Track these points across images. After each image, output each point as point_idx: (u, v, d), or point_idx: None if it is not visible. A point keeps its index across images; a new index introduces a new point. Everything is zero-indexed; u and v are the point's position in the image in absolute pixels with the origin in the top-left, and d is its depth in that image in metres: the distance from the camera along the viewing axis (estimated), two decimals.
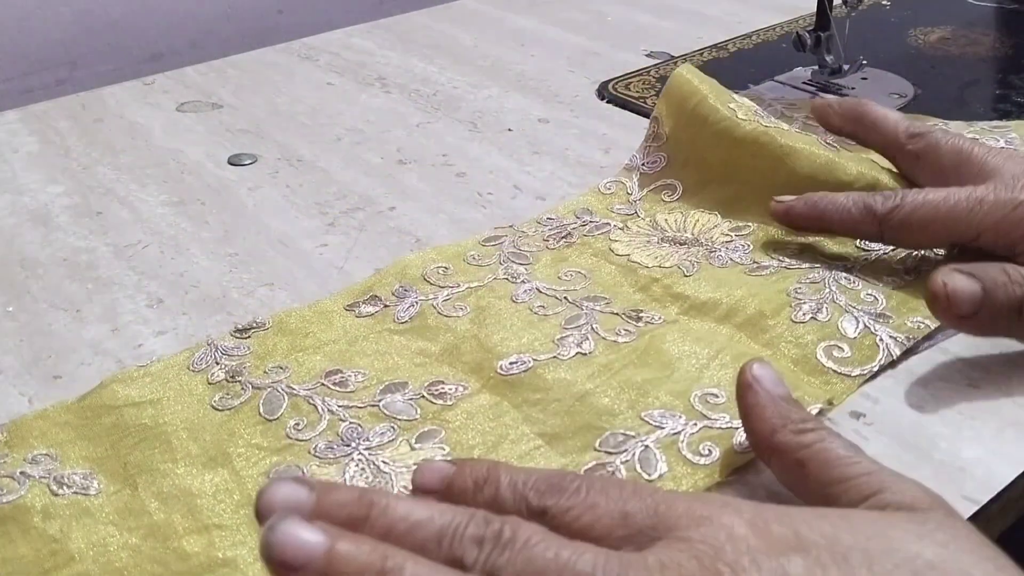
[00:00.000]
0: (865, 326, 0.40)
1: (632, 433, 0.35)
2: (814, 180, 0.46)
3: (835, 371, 0.38)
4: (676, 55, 0.71)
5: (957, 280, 0.36)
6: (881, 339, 0.39)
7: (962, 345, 0.40)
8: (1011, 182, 0.40)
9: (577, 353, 0.39)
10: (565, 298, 0.43)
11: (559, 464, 0.34)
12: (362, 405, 0.37)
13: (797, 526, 0.26)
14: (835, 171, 0.46)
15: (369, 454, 0.35)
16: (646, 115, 0.62)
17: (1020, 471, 0.34)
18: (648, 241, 0.47)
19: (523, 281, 0.44)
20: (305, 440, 0.36)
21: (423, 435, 0.36)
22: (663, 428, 0.35)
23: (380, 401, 0.38)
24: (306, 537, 0.24)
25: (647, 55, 0.72)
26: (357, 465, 0.34)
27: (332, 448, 0.35)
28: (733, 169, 0.49)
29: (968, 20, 0.76)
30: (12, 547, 0.32)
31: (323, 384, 0.38)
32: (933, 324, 0.39)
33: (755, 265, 0.45)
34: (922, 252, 0.44)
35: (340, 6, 0.93)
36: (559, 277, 0.45)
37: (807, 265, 0.44)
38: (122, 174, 0.57)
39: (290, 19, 0.91)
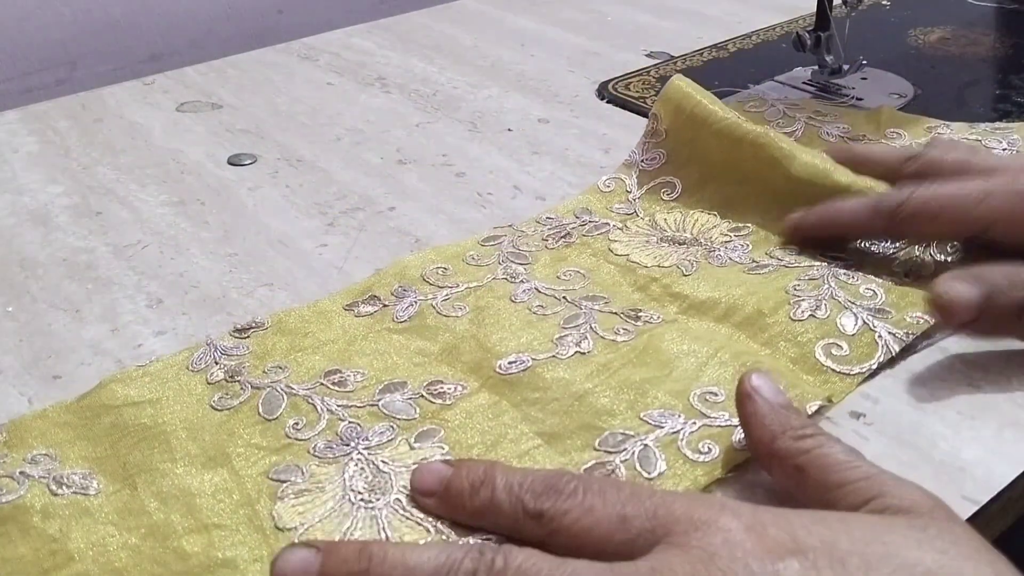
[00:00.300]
0: (864, 322, 0.40)
1: (631, 432, 0.35)
2: (811, 184, 0.46)
3: (834, 370, 0.38)
4: (676, 55, 0.71)
5: (957, 288, 0.37)
6: (880, 336, 0.39)
7: (962, 345, 0.40)
8: (1020, 175, 0.40)
9: (576, 352, 0.39)
10: (564, 298, 0.43)
11: (558, 463, 0.34)
12: (361, 404, 0.37)
13: (795, 530, 0.26)
14: (832, 175, 0.46)
15: (368, 453, 0.35)
16: (646, 115, 0.62)
17: (1020, 471, 0.34)
18: (647, 241, 0.47)
19: (522, 281, 0.44)
20: (304, 440, 0.36)
21: (422, 434, 0.36)
22: (662, 427, 0.35)
23: (379, 401, 0.37)
24: None
25: (647, 55, 0.72)
26: (356, 464, 0.34)
27: (331, 447, 0.35)
28: (732, 168, 0.49)
29: (968, 20, 0.76)
30: (12, 547, 0.32)
31: (322, 384, 0.38)
32: (933, 319, 0.39)
33: (754, 264, 0.45)
34: (920, 255, 0.44)
35: (340, 6, 0.93)
36: (558, 277, 0.45)
37: (806, 263, 0.44)
38: (122, 174, 0.57)
39: (290, 19, 0.91)
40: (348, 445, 0.35)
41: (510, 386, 0.38)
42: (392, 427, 0.36)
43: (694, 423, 0.35)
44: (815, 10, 0.62)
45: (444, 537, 0.31)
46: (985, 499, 0.33)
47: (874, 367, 0.38)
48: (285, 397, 0.38)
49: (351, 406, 0.37)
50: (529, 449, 0.35)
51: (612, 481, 0.30)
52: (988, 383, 0.38)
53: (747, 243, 0.46)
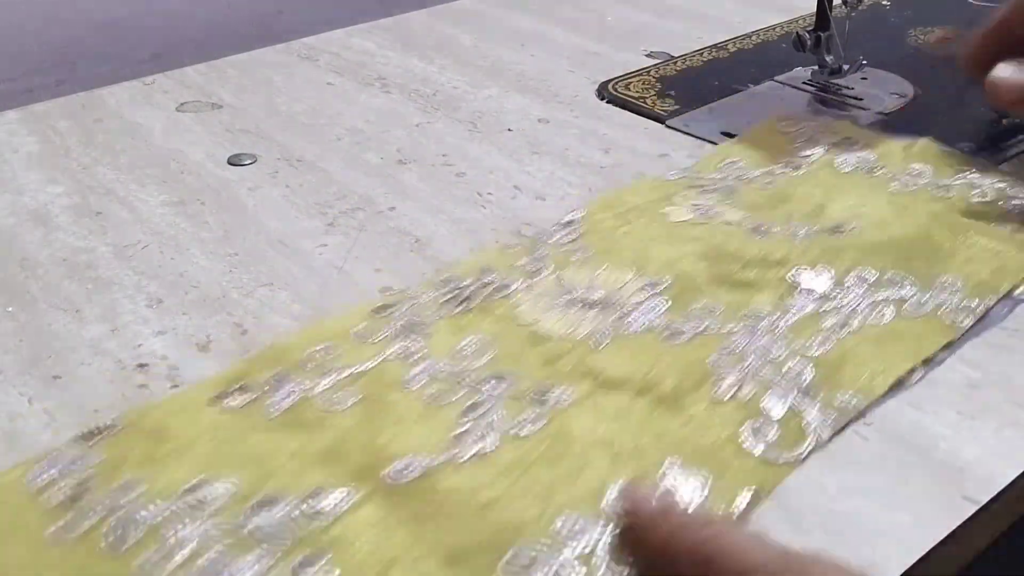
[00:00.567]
0: (791, 404, 0.36)
1: (544, 547, 0.31)
2: (719, 248, 0.46)
3: (761, 457, 0.34)
4: (676, 55, 0.71)
5: (1002, 71, 0.45)
6: (809, 420, 0.36)
7: (962, 345, 0.40)
8: None
9: (477, 452, 0.35)
10: (463, 381, 0.38)
11: None
12: (228, 528, 0.32)
13: None
14: (747, 243, 0.46)
15: None
16: (646, 115, 0.62)
17: (1020, 471, 0.34)
18: (554, 304, 0.43)
19: (416, 361, 0.40)
20: None
21: (304, 563, 0.31)
22: (578, 540, 0.31)
23: (249, 523, 0.32)
24: None
25: (647, 55, 0.72)
26: None
27: None
28: (649, 242, 0.47)
29: (968, 20, 0.76)
30: None
31: (181, 503, 0.33)
32: (865, 401, 0.36)
33: (670, 331, 0.41)
34: (845, 316, 0.41)
35: (340, 6, 0.93)
36: (457, 352, 0.40)
37: (728, 328, 0.41)
38: (122, 174, 0.57)
39: (290, 19, 0.92)
40: None
41: (401, 498, 0.33)
42: (264, 556, 0.31)
43: (615, 528, 0.31)
44: (815, 10, 0.62)
45: None
46: (985, 499, 0.33)
47: (803, 456, 0.35)
48: (136, 523, 0.32)
49: (214, 531, 0.32)
50: (426, 573, 0.31)
51: None
52: (988, 383, 0.38)
53: (664, 299, 0.43)
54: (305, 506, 0.33)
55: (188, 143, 0.61)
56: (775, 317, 0.41)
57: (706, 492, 0.32)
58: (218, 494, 0.33)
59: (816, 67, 0.65)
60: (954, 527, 0.32)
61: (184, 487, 0.33)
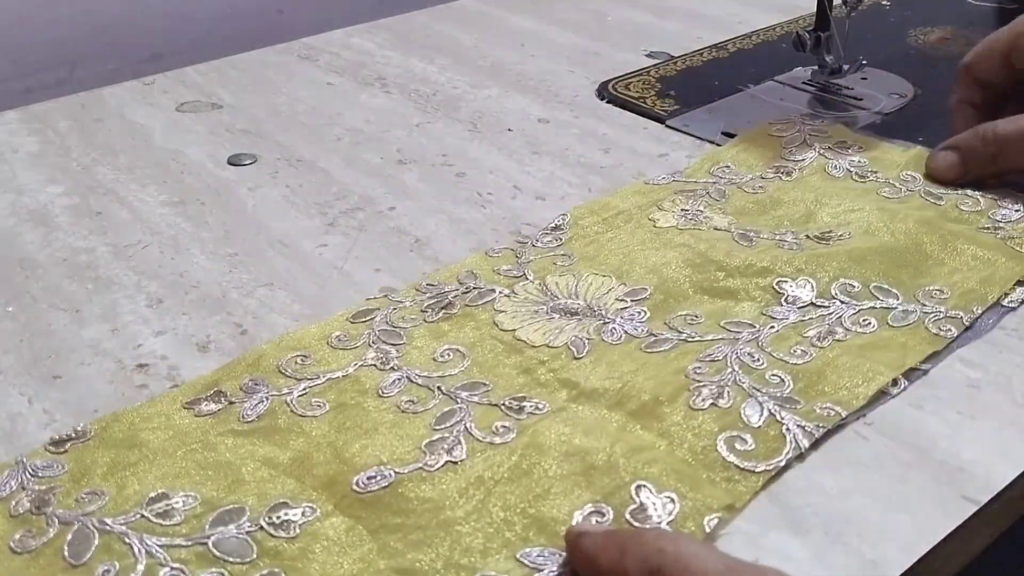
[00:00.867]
0: (770, 413, 0.36)
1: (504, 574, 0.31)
2: (704, 256, 0.45)
3: (737, 466, 0.34)
4: (676, 55, 0.71)
5: (939, 158, 0.51)
6: (788, 428, 0.35)
7: (962, 345, 0.40)
8: None
9: (447, 462, 0.34)
10: (439, 388, 0.38)
11: None
12: (187, 544, 0.32)
13: None
14: (732, 251, 0.45)
15: None
16: (646, 115, 0.62)
17: (1020, 471, 0.34)
18: (536, 311, 0.43)
19: (393, 368, 0.40)
20: None
21: None
22: (540, 571, 0.31)
23: (210, 537, 0.32)
24: None
25: (647, 55, 0.72)
26: None
27: None
28: (633, 248, 0.47)
29: (968, 20, 0.76)
30: None
31: (143, 515, 0.33)
32: (845, 411, 0.36)
33: (652, 339, 0.41)
34: (828, 325, 0.41)
35: (340, 6, 0.93)
36: (434, 359, 0.40)
37: (709, 337, 0.40)
38: (122, 174, 0.57)
39: (290, 19, 0.92)
40: None
41: (368, 508, 0.33)
42: (222, 574, 0.31)
43: (568, 549, 0.31)
44: (815, 10, 0.62)
45: None
46: (985, 499, 0.33)
47: (781, 464, 0.34)
48: (97, 535, 0.32)
49: (175, 545, 0.32)
50: None
51: None
52: (988, 383, 0.38)
53: (644, 309, 0.42)
54: (269, 519, 0.32)
55: (188, 143, 0.61)
56: (758, 326, 0.41)
57: (678, 507, 0.32)
58: (181, 506, 0.33)
59: (816, 67, 0.65)
60: (954, 527, 0.32)
61: (149, 496, 0.33)
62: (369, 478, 0.34)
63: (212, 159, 0.59)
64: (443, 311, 0.43)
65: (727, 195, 0.52)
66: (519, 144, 0.59)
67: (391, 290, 0.45)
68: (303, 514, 0.33)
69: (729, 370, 0.38)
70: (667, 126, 0.61)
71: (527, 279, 0.45)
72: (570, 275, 0.45)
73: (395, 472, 0.34)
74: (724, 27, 0.77)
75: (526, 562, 0.31)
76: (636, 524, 0.32)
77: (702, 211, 0.50)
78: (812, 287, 0.43)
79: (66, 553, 0.31)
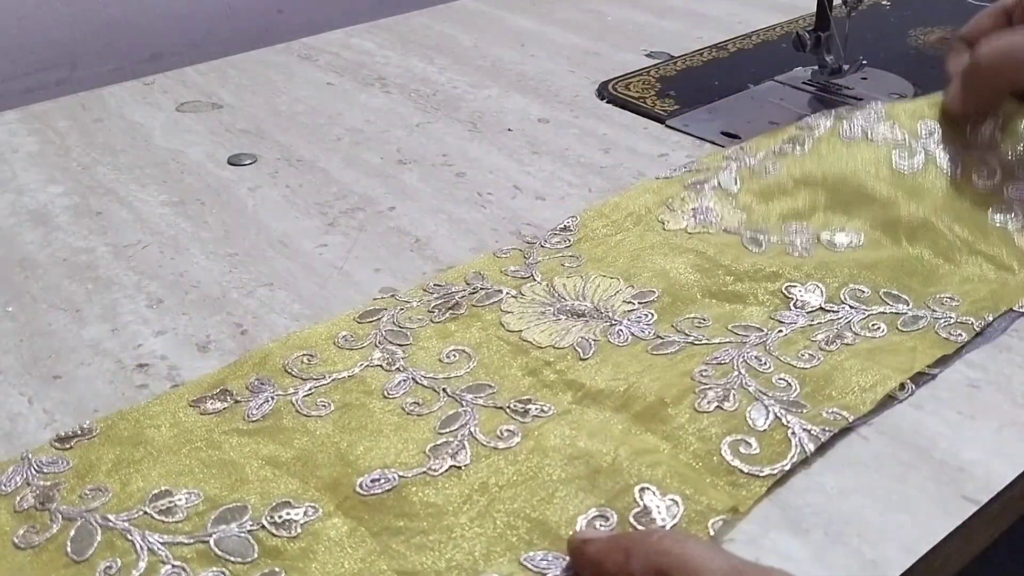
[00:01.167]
0: (776, 417, 0.36)
1: None
2: (713, 260, 0.45)
3: (741, 470, 0.34)
4: (676, 55, 0.71)
5: (948, 92, 0.51)
6: (794, 432, 0.35)
7: (968, 349, 0.40)
8: None
9: (451, 467, 0.34)
10: (444, 390, 0.38)
11: None
12: (189, 541, 0.32)
13: None
14: (741, 256, 0.45)
15: None
16: (646, 115, 0.62)
17: (1020, 471, 0.34)
18: (543, 313, 0.43)
19: (399, 369, 0.39)
20: None
21: None
22: (544, 575, 0.31)
23: (212, 535, 0.32)
24: None
25: (647, 55, 0.72)
26: None
27: None
28: (642, 251, 0.47)
29: (968, 20, 0.76)
30: None
31: (146, 512, 0.33)
32: (852, 416, 0.36)
33: (659, 341, 0.41)
34: (837, 329, 0.41)
35: (340, 6, 0.93)
36: (440, 360, 0.40)
37: (716, 340, 0.40)
38: (122, 174, 0.57)
39: (290, 19, 0.92)
40: None
41: (371, 510, 0.33)
42: (223, 573, 0.31)
43: (571, 554, 0.31)
44: (815, 10, 0.62)
45: None
46: (985, 499, 0.33)
47: (786, 468, 0.34)
48: (99, 531, 0.32)
49: (177, 543, 0.32)
50: None
51: None
52: (988, 383, 0.38)
53: (651, 311, 0.42)
54: (271, 518, 0.32)
55: (188, 143, 0.61)
56: (766, 330, 0.41)
57: (681, 510, 0.32)
58: (184, 503, 0.33)
59: (816, 67, 0.65)
60: (954, 527, 0.32)
61: (152, 493, 0.33)
62: (373, 481, 0.34)
63: (212, 159, 0.59)
64: (450, 312, 0.43)
65: (739, 183, 0.51)
66: (519, 144, 0.59)
67: (395, 290, 0.45)
68: (305, 514, 0.33)
69: (735, 373, 0.38)
70: (667, 126, 0.61)
71: (535, 280, 0.45)
72: (578, 277, 0.45)
73: (399, 475, 0.34)
74: (724, 27, 0.77)
75: (530, 566, 0.31)
76: (640, 527, 0.32)
77: (712, 208, 0.50)
78: (822, 292, 0.43)
79: (69, 549, 0.31)
